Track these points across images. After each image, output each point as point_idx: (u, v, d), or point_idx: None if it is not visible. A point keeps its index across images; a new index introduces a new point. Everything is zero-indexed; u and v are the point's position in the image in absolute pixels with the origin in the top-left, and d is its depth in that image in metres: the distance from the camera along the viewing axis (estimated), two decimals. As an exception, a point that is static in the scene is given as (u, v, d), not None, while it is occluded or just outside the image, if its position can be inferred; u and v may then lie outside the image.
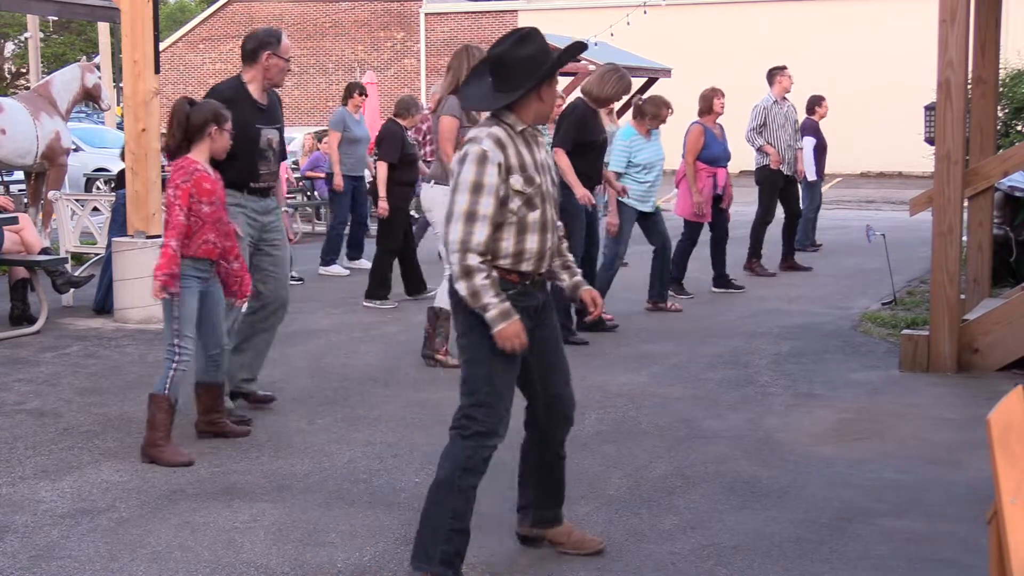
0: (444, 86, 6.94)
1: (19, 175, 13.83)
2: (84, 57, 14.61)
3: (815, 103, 13.03)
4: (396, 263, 9.53)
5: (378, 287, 9.32)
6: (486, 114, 3.93)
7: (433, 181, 6.93)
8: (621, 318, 8.56)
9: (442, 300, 6.88)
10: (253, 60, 5.84)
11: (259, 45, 5.82)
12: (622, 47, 20.68)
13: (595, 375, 6.91)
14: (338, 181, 11.13)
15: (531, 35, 3.86)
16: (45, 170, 11.66)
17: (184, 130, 5.31)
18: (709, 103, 10.02)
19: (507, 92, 3.80)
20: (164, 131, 5.89)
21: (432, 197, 6.84)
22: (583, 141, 7.72)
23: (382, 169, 9.47)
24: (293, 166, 17.89)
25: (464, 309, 3.78)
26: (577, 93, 8.19)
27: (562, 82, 18.51)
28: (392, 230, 9.45)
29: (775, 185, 11.34)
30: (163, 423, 5.16)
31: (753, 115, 11.38)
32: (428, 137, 10.81)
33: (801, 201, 12.26)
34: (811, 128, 12.66)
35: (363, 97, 11.51)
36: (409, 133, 9.95)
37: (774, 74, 11.65)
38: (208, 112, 5.32)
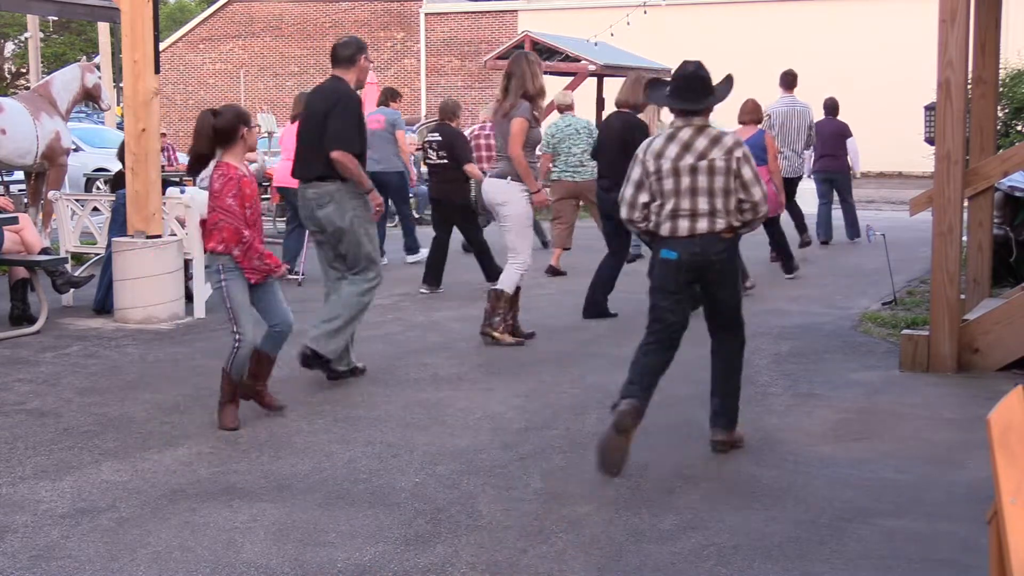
0: (514, 91, 7.52)
1: (19, 175, 13.84)
2: (84, 57, 14.62)
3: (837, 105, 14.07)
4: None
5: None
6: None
7: (509, 178, 7.60)
8: (623, 317, 8.57)
9: (505, 283, 7.73)
10: (352, 63, 6.56)
11: (357, 50, 6.57)
12: (622, 47, 20.70)
13: (595, 375, 6.91)
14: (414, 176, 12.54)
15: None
16: (45, 170, 11.66)
17: (211, 139, 5.59)
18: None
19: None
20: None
21: (508, 191, 7.60)
22: None
23: (474, 170, 10.43)
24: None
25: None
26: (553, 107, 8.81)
27: (562, 82, 18.52)
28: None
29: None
30: (226, 392, 5.74)
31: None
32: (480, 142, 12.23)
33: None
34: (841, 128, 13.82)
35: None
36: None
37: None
38: (234, 116, 5.63)
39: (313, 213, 6.52)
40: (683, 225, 5.11)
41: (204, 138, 5.60)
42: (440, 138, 10.28)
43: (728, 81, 5.30)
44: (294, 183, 6.94)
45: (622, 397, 5.09)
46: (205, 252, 5.77)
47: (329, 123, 6.39)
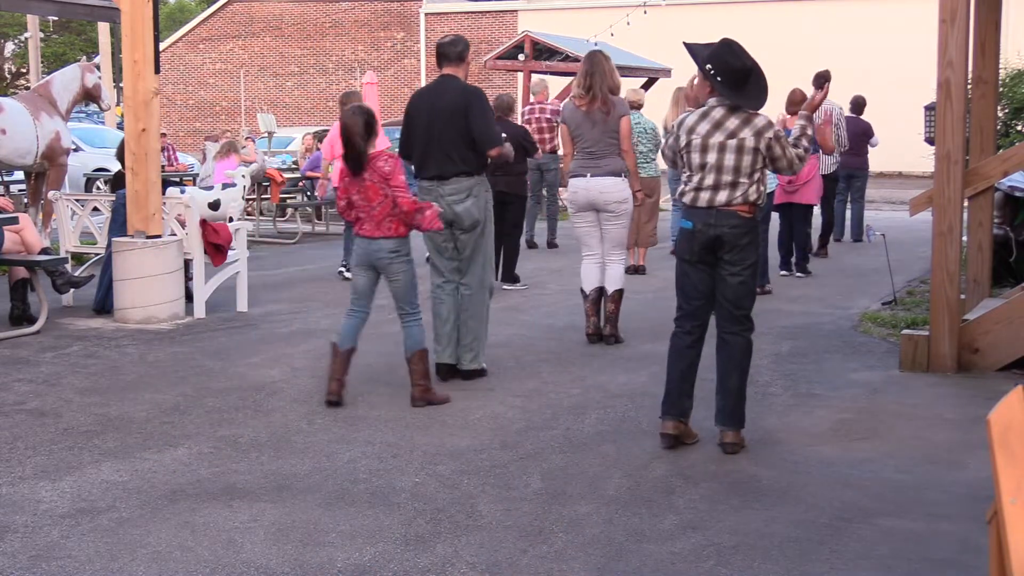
0: (598, 87, 7.62)
1: (19, 175, 13.84)
2: (84, 57, 14.62)
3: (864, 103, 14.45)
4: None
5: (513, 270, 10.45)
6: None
7: (624, 174, 7.80)
8: (625, 317, 8.56)
9: (622, 281, 7.95)
10: (462, 60, 6.82)
11: (465, 47, 6.83)
12: (622, 47, 20.70)
13: (595, 375, 6.91)
14: None
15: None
16: (45, 170, 11.66)
17: (367, 134, 6.00)
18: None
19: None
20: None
21: (625, 188, 7.80)
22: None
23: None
24: (293, 165, 17.93)
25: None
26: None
27: (562, 82, 18.53)
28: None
29: None
30: (425, 372, 6.23)
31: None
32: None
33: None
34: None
35: None
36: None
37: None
38: (370, 115, 6.06)
39: (452, 209, 6.62)
40: (703, 197, 5.29)
41: (363, 135, 5.98)
42: (506, 134, 10.21)
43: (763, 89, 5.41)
44: None
45: (662, 415, 5.44)
46: (390, 237, 6.07)
47: (473, 122, 6.59)
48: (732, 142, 5.24)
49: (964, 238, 7.51)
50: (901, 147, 24.88)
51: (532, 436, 5.59)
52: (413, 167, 6.84)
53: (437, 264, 6.84)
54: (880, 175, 28.18)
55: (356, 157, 6.04)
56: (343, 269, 11.02)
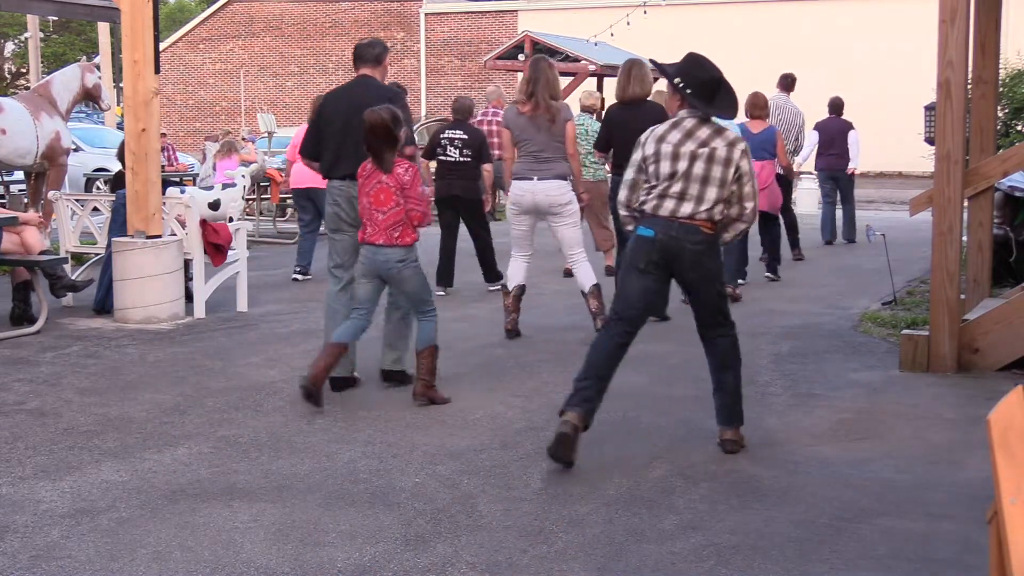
0: (541, 94, 7.80)
1: (19, 175, 13.84)
2: (84, 57, 14.60)
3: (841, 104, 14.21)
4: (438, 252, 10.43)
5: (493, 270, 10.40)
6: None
7: (570, 178, 8.02)
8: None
9: (592, 278, 8.02)
10: (379, 62, 6.74)
11: (383, 49, 6.77)
12: (622, 47, 20.70)
13: (595, 375, 6.90)
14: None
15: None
16: (45, 170, 11.66)
17: (387, 141, 5.96)
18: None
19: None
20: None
21: (570, 191, 7.99)
22: None
23: (490, 171, 10.55)
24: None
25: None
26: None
27: (563, 82, 18.53)
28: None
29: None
30: (434, 369, 6.23)
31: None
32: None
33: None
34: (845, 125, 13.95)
35: None
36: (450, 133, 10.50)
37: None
38: (395, 117, 5.99)
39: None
40: (667, 205, 5.17)
41: (380, 140, 5.95)
42: (466, 137, 10.22)
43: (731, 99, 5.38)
44: (320, 183, 6.98)
45: (567, 406, 5.09)
46: (397, 246, 6.03)
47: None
48: (704, 151, 5.17)
49: (964, 238, 7.51)
50: (901, 147, 24.92)
51: (532, 436, 5.59)
52: (324, 169, 6.64)
53: (336, 274, 6.60)
54: (880, 175, 28.24)
55: (378, 156, 5.97)
56: (297, 274, 10.99)
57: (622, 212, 5.42)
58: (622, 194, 5.39)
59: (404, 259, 6.06)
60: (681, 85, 5.27)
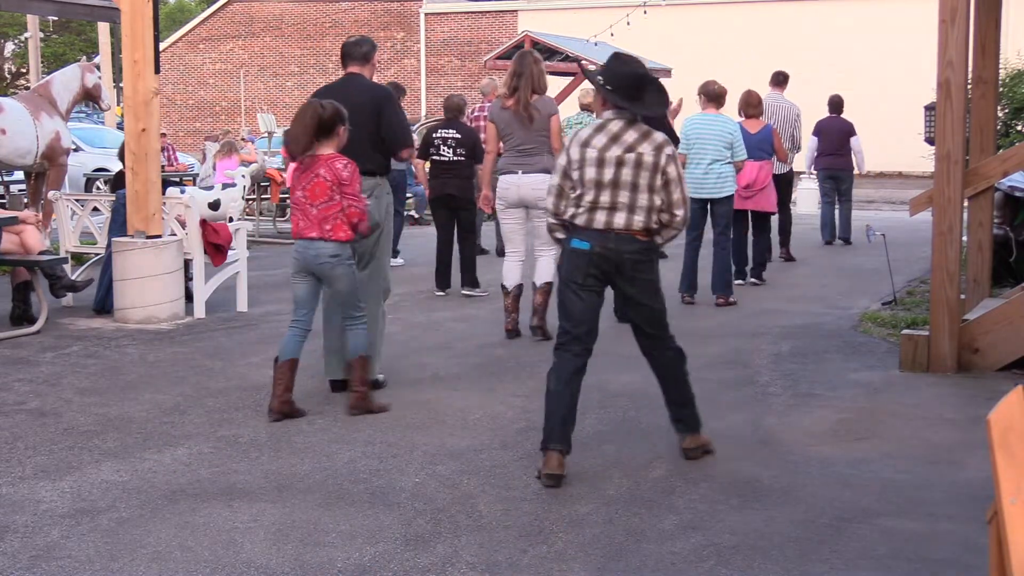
0: (524, 89, 7.79)
1: (19, 175, 13.84)
2: (84, 57, 14.61)
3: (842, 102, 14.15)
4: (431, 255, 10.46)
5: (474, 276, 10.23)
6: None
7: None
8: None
9: (551, 274, 7.88)
10: (367, 60, 6.65)
11: (371, 47, 6.68)
12: (622, 47, 20.68)
13: (595, 375, 6.87)
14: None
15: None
16: (45, 170, 11.66)
17: (316, 130, 5.80)
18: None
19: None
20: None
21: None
22: None
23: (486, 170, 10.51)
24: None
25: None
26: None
27: (563, 82, 18.53)
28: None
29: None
30: (367, 378, 6.09)
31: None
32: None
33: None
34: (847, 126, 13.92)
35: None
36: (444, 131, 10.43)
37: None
38: (337, 113, 5.87)
39: None
40: (599, 218, 4.95)
41: (307, 130, 5.80)
42: (459, 136, 10.18)
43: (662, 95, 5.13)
44: None
45: (546, 446, 4.94)
46: (330, 240, 5.85)
47: (387, 121, 6.43)
48: (630, 156, 4.92)
49: (964, 238, 7.51)
50: (901, 147, 24.91)
51: (532, 436, 5.58)
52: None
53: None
54: (880, 175, 28.23)
55: (301, 146, 5.83)
56: None
57: (549, 220, 5.19)
58: (549, 201, 5.15)
59: (338, 255, 5.87)
60: (603, 83, 5.03)
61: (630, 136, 4.97)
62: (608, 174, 4.93)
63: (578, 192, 5.01)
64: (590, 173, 4.96)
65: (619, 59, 5.14)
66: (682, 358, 5.26)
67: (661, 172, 4.95)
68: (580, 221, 4.99)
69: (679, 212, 5.00)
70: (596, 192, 4.95)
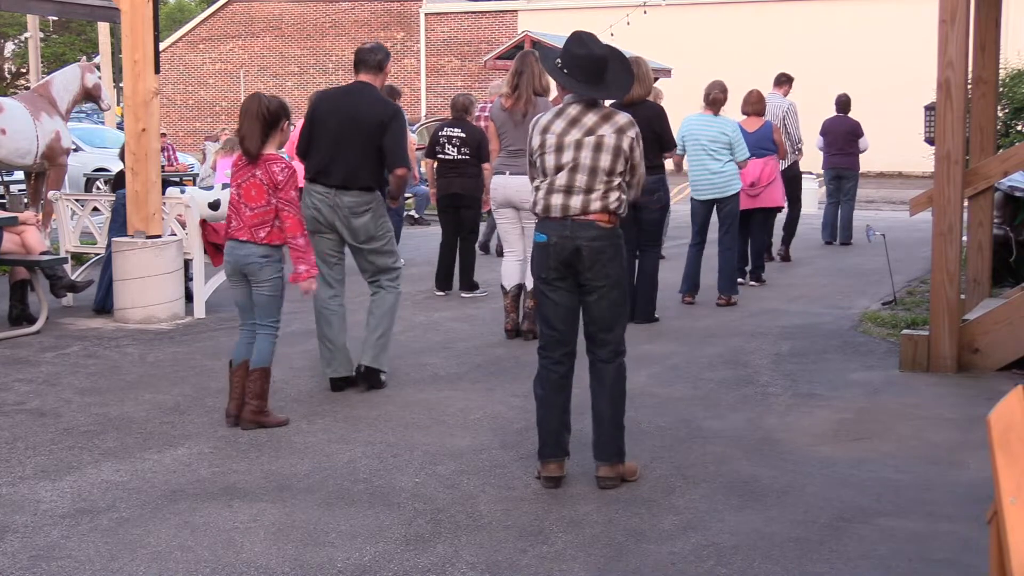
0: (525, 88, 7.82)
1: (19, 175, 13.84)
2: (84, 57, 14.61)
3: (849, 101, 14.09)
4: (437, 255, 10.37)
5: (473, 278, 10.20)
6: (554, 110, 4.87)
7: None
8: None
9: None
10: (380, 69, 6.57)
11: (386, 56, 6.61)
12: (622, 47, 20.71)
13: (595, 375, 6.90)
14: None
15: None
16: (45, 170, 11.66)
17: (265, 126, 5.65)
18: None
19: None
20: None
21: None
22: None
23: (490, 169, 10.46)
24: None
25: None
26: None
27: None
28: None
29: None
30: (266, 389, 5.84)
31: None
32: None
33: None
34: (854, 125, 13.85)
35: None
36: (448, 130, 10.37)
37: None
38: (282, 107, 5.75)
39: (348, 221, 6.37)
40: (556, 203, 4.73)
41: (255, 125, 5.64)
42: (464, 135, 10.11)
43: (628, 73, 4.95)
44: None
45: (543, 458, 4.88)
46: (261, 244, 5.67)
47: (390, 138, 6.36)
48: (590, 139, 4.70)
49: (964, 238, 7.51)
50: (901, 147, 24.92)
51: (532, 436, 5.57)
52: (311, 171, 6.46)
53: (325, 276, 6.44)
54: (880, 175, 28.23)
55: (251, 140, 5.65)
56: None
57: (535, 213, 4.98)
58: (531, 197, 4.97)
59: (268, 256, 5.68)
60: (559, 66, 4.79)
61: (589, 119, 4.75)
62: (567, 157, 4.73)
63: (537, 181, 4.87)
64: (550, 160, 4.78)
65: (579, 41, 4.81)
66: (624, 379, 4.93)
67: (624, 156, 4.74)
68: (539, 209, 4.81)
69: (631, 192, 4.86)
70: (554, 176, 4.76)
